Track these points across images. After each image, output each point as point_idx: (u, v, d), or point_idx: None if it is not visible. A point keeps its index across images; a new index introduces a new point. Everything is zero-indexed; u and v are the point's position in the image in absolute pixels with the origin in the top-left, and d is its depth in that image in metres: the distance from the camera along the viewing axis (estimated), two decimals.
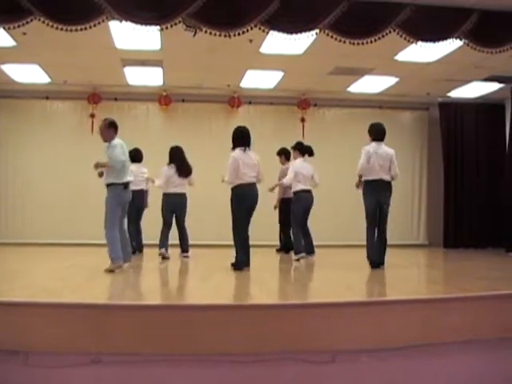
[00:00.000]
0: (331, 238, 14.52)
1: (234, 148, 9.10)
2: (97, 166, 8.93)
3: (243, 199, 8.92)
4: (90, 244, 13.49)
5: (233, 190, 9.00)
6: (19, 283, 7.33)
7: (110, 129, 8.96)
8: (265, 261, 10.92)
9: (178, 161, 10.96)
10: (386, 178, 9.44)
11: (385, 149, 9.51)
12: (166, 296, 7.40)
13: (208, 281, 8.02)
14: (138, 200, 11.32)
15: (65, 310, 5.71)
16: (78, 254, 12.16)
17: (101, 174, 9.09)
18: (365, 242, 9.47)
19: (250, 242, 9.04)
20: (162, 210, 11.17)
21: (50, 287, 7.03)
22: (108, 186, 8.76)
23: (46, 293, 6.64)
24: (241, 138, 9.17)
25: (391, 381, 5.12)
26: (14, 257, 11.73)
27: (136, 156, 11.50)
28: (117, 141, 8.90)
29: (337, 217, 14.89)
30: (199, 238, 12.67)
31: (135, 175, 10.78)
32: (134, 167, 10.83)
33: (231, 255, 9.10)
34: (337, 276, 8.49)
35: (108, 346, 5.46)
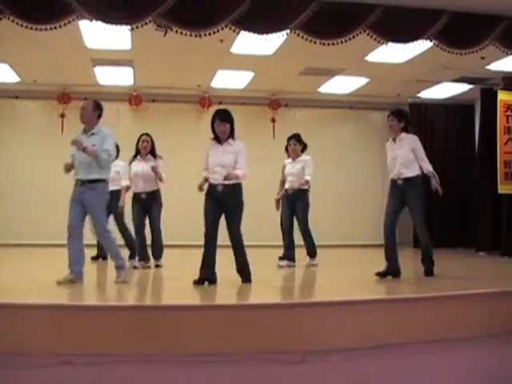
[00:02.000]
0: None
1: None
2: (84, 150, 7.71)
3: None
4: (55, 244, 13.44)
5: (239, 186, 8.01)
6: None
7: (95, 112, 8.17)
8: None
9: None
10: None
11: None
12: (139, 297, 7.38)
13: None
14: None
15: (33, 311, 5.68)
16: (51, 254, 12.07)
17: (70, 168, 8.06)
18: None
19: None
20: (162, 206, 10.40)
21: (17, 288, 6.98)
22: (92, 182, 7.77)
23: (12, 294, 6.59)
24: None
25: (362, 381, 5.13)
26: None
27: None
28: (108, 129, 8.17)
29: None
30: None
31: (123, 173, 10.61)
32: (122, 163, 10.59)
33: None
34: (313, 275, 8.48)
35: (78, 347, 5.43)
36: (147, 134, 10.13)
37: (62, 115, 14.48)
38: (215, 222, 7.78)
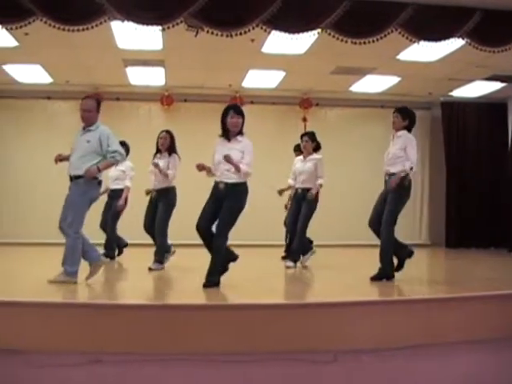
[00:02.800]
0: (340, 238, 14.62)
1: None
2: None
3: None
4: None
5: (242, 186, 7.71)
6: (14, 283, 7.34)
7: (98, 111, 8.11)
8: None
9: None
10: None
11: None
12: (161, 296, 7.40)
13: None
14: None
15: (61, 310, 5.72)
16: None
17: (61, 160, 8.03)
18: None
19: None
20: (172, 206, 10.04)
21: (45, 287, 7.02)
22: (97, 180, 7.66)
23: (41, 292, 6.63)
24: None
25: (393, 381, 5.12)
26: (7, 257, 11.79)
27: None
28: (105, 127, 8.02)
29: (342, 219, 14.81)
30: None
31: (128, 173, 10.78)
32: (128, 163, 10.63)
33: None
34: (336, 276, 8.45)
35: (106, 346, 5.46)
36: (167, 131, 9.98)
37: None
38: (207, 216, 7.50)
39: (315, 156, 10.38)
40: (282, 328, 5.76)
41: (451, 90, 14.79)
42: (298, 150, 11.25)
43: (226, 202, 7.42)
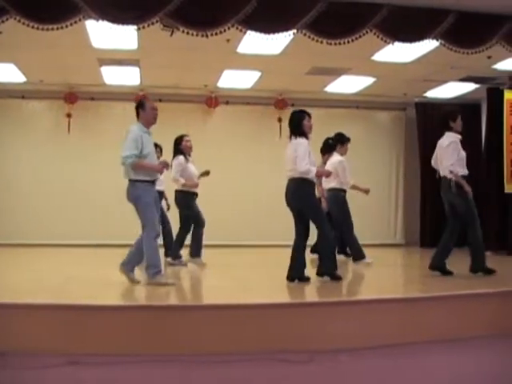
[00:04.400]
0: None
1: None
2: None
3: None
4: (67, 245, 13.53)
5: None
6: None
7: None
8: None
9: None
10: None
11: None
12: (148, 296, 7.37)
13: None
14: None
15: (41, 311, 5.69)
16: (57, 254, 12.12)
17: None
18: None
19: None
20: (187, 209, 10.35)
21: (26, 288, 6.99)
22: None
23: (21, 294, 6.61)
24: None
25: (370, 380, 5.13)
26: None
27: None
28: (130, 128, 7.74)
29: None
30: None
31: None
32: None
33: None
34: (313, 275, 8.45)
35: (85, 347, 5.44)
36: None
37: (69, 115, 14.49)
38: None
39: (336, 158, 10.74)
40: (258, 328, 5.76)
41: (426, 91, 14.88)
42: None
43: None
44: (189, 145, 10.28)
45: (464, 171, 8.76)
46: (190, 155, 10.31)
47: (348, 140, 10.96)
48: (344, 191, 10.45)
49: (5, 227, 14.09)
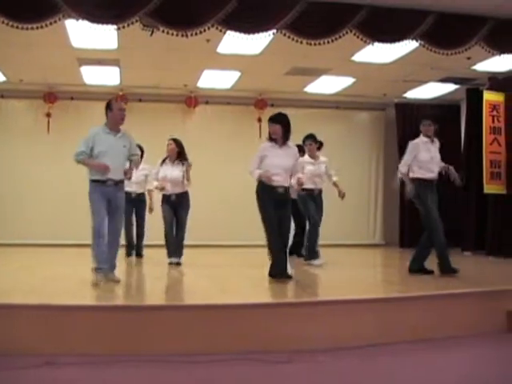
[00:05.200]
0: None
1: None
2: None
3: None
4: (45, 244, 13.46)
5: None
6: None
7: None
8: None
9: None
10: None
11: None
12: (125, 296, 7.35)
13: None
14: None
15: (17, 311, 5.66)
16: (34, 254, 12.05)
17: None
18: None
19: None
20: None
21: (1, 288, 6.95)
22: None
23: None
24: None
25: (349, 380, 5.14)
26: None
27: None
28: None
29: None
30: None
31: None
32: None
33: None
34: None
35: (62, 347, 5.41)
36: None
37: (48, 115, 14.42)
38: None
39: (324, 159, 11.07)
40: (236, 328, 5.76)
41: (405, 92, 14.93)
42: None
43: None
44: (169, 148, 10.27)
45: (421, 172, 8.85)
46: (173, 159, 10.25)
47: (306, 140, 11.23)
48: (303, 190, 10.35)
49: None
